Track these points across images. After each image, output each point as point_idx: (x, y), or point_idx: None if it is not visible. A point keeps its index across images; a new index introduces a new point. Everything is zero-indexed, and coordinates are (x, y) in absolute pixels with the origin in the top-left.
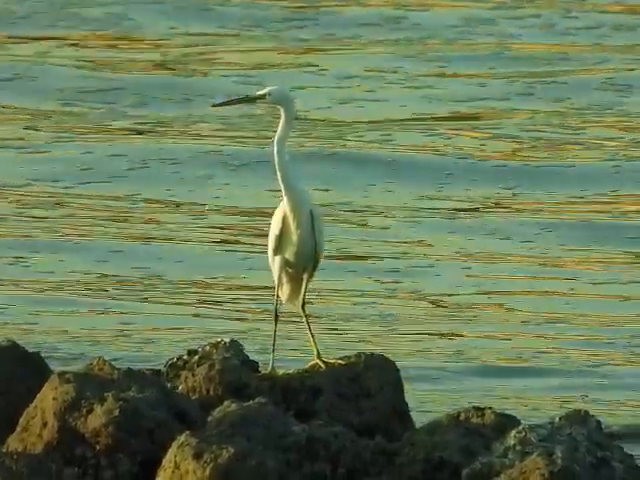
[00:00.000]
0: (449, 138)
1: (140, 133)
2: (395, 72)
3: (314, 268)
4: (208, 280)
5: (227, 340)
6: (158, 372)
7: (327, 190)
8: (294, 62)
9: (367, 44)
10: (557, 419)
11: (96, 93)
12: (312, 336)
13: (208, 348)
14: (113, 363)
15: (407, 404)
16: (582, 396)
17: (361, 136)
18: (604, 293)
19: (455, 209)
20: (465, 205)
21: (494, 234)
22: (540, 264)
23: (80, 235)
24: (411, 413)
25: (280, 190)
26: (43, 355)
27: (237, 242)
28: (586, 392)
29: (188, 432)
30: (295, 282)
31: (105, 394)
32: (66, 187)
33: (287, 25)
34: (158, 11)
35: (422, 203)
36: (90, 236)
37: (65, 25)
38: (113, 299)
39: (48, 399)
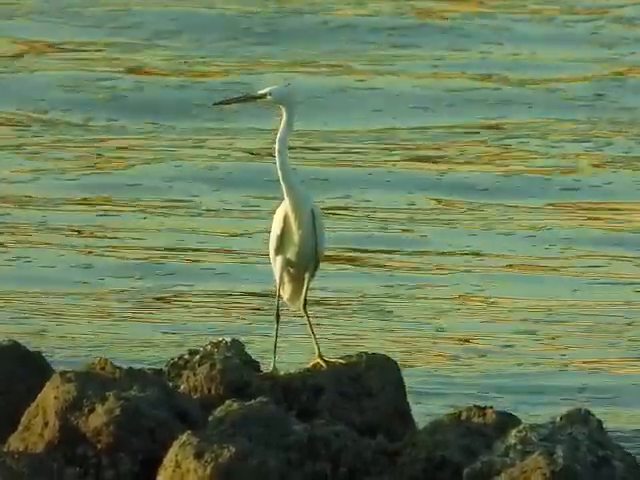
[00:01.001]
0: (452, 142)
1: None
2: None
3: (315, 268)
4: (207, 280)
5: (228, 339)
6: (159, 371)
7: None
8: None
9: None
10: (558, 418)
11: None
12: (313, 335)
13: (209, 347)
14: (114, 362)
15: (408, 404)
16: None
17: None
18: (605, 293)
19: (454, 207)
20: (464, 204)
21: (494, 231)
22: (541, 264)
23: (80, 235)
24: (412, 413)
25: (282, 190)
26: (43, 355)
27: (237, 241)
28: (586, 391)
29: (189, 431)
30: (297, 282)
31: (106, 393)
32: (67, 187)
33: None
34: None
35: (421, 202)
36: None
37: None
38: (112, 300)
39: (49, 398)
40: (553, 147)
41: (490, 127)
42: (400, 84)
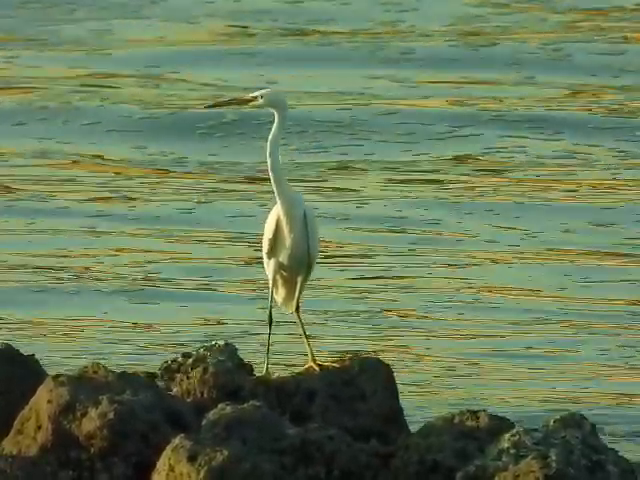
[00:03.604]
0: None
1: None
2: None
3: (308, 271)
4: (203, 283)
5: (221, 343)
6: (152, 375)
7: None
8: None
9: None
10: (552, 422)
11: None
12: (306, 339)
13: (202, 351)
14: (108, 366)
15: (401, 407)
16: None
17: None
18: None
19: (447, 204)
20: (459, 204)
21: (489, 232)
22: (531, 268)
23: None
24: (405, 416)
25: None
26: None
27: (234, 244)
28: (580, 395)
29: (182, 435)
30: (290, 285)
31: (99, 397)
32: (62, 189)
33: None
34: None
35: (418, 202)
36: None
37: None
38: (107, 302)
39: (42, 402)
40: None
41: None
42: None
